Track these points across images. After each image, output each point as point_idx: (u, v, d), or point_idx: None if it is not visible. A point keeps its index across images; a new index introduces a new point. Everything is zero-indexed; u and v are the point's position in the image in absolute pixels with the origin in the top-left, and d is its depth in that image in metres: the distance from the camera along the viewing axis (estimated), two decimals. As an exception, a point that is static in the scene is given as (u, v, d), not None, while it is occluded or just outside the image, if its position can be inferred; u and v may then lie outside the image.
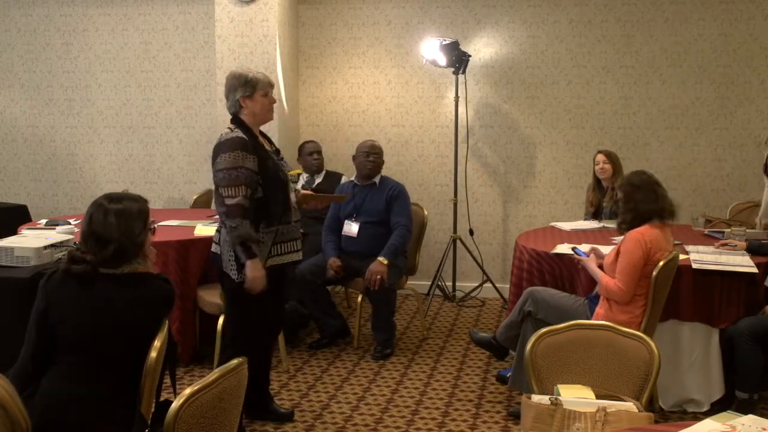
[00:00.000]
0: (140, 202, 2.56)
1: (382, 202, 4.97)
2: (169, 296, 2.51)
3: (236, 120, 3.51)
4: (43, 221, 5.02)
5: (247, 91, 3.47)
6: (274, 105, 3.61)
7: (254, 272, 3.37)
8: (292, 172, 3.63)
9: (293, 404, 4.05)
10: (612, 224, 4.59)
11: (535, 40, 6.31)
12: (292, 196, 3.58)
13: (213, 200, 3.85)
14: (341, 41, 6.54)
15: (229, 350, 3.48)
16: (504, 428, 3.77)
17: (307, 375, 4.52)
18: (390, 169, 6.29)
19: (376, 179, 5.07)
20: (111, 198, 2.52)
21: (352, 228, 4.98)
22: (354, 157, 5.14)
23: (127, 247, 2.45)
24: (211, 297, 4.38)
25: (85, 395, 2.33)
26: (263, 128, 3.67)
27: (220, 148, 3.41)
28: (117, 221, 2.44)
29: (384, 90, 6.52)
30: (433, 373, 4.58)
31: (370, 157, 5.03)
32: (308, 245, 5.11)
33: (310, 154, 5.77)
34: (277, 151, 3.67)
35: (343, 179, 5.69)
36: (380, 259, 4.76)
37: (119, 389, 2.38)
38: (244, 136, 3.42)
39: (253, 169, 3.39)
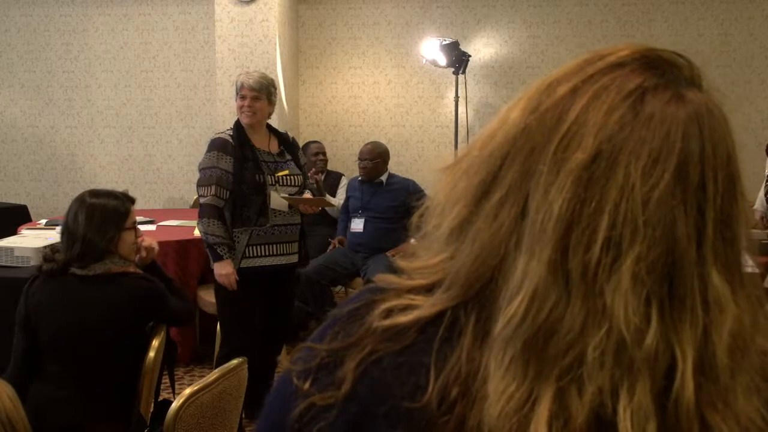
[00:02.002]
0: (119, 201, 2.49)
1: (392, 200, 4.99)
2: (146, 294, 2.44)
3: (237, 120, 3.61)
4: (43, 221, 5.02)
5: (235, 92, 3.62)
6: (263, 107, 3.63)
7: (219, 270, 3.46)
8: (279, 174, 3.59)
9: (293, 404, 4.04)
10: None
11: (535, 40, 6.31)
12: (278, 199, 3.55)
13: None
14: (341, 41, 6.54)
15: (224, 349, 3.50)
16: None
17: (307, 375, 4.51)
18: (390, 169, 6.28)
19: (383, 178, 5.11)
20: (91, 193, 2.46)
21: (357, 224, 5.01)
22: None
23: (96, 245, 2.38)
24: (211, 297, 4.37)
25: (69, 398, 2.29)
26: (278, 125, 3.74)
27: (207, 149, 3.52)
28: (86, 218, 2.39)
29: (384, 90, 6.51)
30: (433, 373, 4.56)
31: (362, 163, 5.07)
32: (311, 246, 5.11)
33: (315, 155, 5.77)
34: (282, 152, 3.67)
35: (343, 180, 5.71)
36: None
37: (112, 389, 2.36)
38: (227, 137, 3.49)
39: (227, 170, 3.43)
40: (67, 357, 2.35)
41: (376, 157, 5.09)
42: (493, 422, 0.56)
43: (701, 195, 0.58)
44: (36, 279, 2.44)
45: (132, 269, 2.50)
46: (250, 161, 3.49)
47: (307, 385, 0.64)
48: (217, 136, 3.53)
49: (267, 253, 3.55)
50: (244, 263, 3.50)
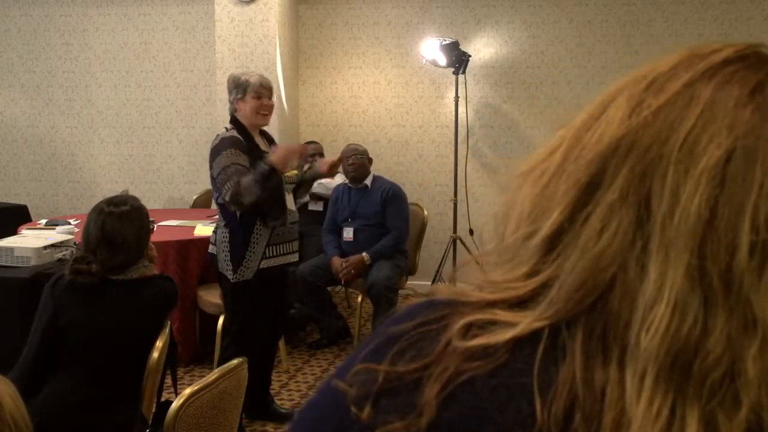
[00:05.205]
0: (139, 202, 2.57)
1: (376, 204, 4.97)
2: (174, 294, 2.52)
3: (234, 120, 3.54)
4: (43, 221, 5.02)
5: (239, 93, 3.49)
6: (274, 106, 3.61)
7: (278, 161, 3.28)
8: (289, 174, 3.61)
9: (293, 404, 4.05)
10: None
11: (535, 40, 6.31)
12: (289, 198, 3.58)
13: (213, 201, 3.85)
14: (341, 41, 6.54)
15: (230, 349, 3.49)
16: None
17: (307, 375, 4.52)
18: (390, 169, 6.29)
19: (368, 181, 5.06)
20: (115, 203, 2.50)
21: (348, 233, 5.00)
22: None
23: (136, 252, 2.45)
24: (211, 297, 4.39)
25: (92, 398, 2.32)
26: (278, 126, 3.69)
27: (216, 150, 3.42)
28: (132, 226, 2.45)
29: (384, 90, 6.51)
30: (433, 373, 4.57)
31: (350, 160, 5.02)
32: (308, 247, 5.10)
33: (312, 156, 5.77)
34: None
35: (339, 177, 5.70)
36: (363, 254, 4.76)
37: (123, 390, 2.38)
38: (238, 136, 3.43)
39: (246, 166, 3.38)
40: (96, 358, 2.36)
41: (362, 153, 5.08)
42: None
43: None
44: (60, 279, 2.44)
45: (155, 271, 2.58)
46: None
47: (366, 413, 0.57)
48: (227, 135, 3.43)
49: (283, 252, 3.57)
50: (264, 263, 3.49)
